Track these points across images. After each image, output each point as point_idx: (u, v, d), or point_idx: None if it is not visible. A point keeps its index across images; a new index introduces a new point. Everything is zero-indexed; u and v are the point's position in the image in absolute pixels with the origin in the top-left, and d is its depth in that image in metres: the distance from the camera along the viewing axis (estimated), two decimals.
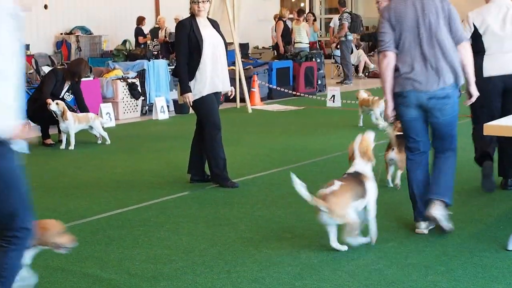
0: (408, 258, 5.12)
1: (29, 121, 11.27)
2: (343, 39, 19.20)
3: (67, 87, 10.52)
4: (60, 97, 10.41)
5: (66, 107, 9.93)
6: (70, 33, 18.91)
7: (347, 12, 19.61)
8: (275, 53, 19.62)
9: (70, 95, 10.61)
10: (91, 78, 13.25)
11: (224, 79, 7.48)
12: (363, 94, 11.57)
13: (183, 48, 7.27)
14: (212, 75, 7.33)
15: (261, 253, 5.28)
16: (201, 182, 7.57)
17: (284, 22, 18.87)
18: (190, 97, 7.27)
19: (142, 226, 6.01)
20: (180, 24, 7.40)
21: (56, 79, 10.38)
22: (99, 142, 10.37)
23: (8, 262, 3.76)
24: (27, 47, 17.45)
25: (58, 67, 13.12)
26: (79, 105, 10.73)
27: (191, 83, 7.28)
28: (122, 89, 13.43)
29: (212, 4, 13.95)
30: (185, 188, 7.42)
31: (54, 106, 9.85)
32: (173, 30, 18.70)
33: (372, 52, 22.78)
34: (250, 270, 4.92)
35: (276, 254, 5.23)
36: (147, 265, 5.03)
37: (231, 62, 16.43)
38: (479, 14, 6.69)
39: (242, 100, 14.46)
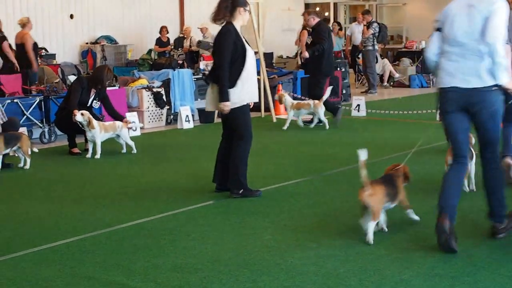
0: (435, 268, 5.09)
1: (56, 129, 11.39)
2: (369, 48, 19.17)
3: (94, 94, 10.56)
4: (88, 105, 10.47)
5: (91, 117, 9.97)
6: (96, 42, 19.05)
7: (376, 22, 19.68)
8: (300, 62, 19.60)
9: (98, 102, 10.66)
10: (116, 87, 13.33)
11: (257, 90, 7.54)
12: (291, 99, 13.18)
13: (228, 55, 7.16)
14: (253, 85, 7.37)
15: (287, 262, 5.27)
16: (226, 191, 7.56)
17: (309, 31, 18.83)
18: (229, 106, 7.25)
19: (168, 235, 6.03)
20: (227, 30, 7.25)
21: (81, 87, 10.41)
22: (124, 151, 10.42)
23: (489, 179, 5.67)
24: (53, 56, 17.65)
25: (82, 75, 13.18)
26: (110, 112, 10.77)
27: (231, 91, 7.21)
28: (147, 98, 13.51)
29: None
30: (211, 197, 7.43)
31: (79, 116, 9.88)
32: (199, 39, 18.86)
33: (397, 62, 22.68)
34: (276, 279, 4.92)
35: (301, 264, 5.22)
36: (173, 274, 5.04)
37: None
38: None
39: (267, 109, 14.46)
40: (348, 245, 5.64)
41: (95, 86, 10.52)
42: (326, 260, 5.31)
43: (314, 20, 13.18)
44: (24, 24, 14.56)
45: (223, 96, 7.19)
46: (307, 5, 26.95)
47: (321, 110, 12.64)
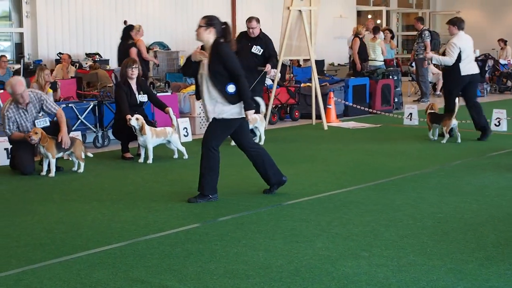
0: (489, 281, 5.01)
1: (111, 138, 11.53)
2: (421, 56, 18.98)
3: (137, 90, 10.67)
4: (138, 102, 10.60)
5: (144, 122, 10.08)
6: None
7: (427, 30, 19.38)
8: (351, 70, 19.53)
9: (144, 95, 10.74)
10: (168, 93, 13.46)
11: None
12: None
13: None
14: None
15: (338, 271, 5.25)
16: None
17: (361, 39, 18.78)
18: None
19: (219, 241, 6.06)
20: None
21: (124, 91, 10.51)
22: (175, 156, 10.49)
23: None
24: (107, 62, 17.88)
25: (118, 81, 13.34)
26: (154, 103, 10.99)
27: None
28: (199, 104, 13.58)
29: (289, 21, 14.03)
30: (262, 203, 7.44)
31: (134, 121, 9.99)
32: None
33: None
34: None
35: (353, 273, 5.19)
36: (224, 280, 5.06)
37: (307, 79, 16.45)
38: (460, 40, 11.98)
39: (318, 117, 14.43)
40: (400, 255, 5.59)
41: (125, 82, 10.62)
42: (378, 269, 5.27)
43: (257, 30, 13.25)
44: (137, 31, 15.29)
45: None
46: (359, 13, 26.88)
47: (263, 124, 11.70)
